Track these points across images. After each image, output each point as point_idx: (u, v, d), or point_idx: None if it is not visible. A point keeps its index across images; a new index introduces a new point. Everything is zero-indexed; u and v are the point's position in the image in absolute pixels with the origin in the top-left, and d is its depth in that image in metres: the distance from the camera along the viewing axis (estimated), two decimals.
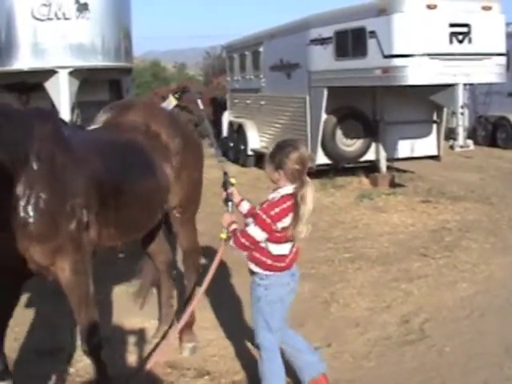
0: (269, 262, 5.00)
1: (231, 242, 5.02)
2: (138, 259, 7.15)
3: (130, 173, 5.68)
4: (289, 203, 4.86)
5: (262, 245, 4.95)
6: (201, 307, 7.37)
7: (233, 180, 5.38)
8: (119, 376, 5.86)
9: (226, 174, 5.39)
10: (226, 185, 5.36)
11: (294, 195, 4.87)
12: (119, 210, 5.45)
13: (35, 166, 4.75)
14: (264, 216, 4.85)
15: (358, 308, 7.68)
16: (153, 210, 6.01)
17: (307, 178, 4.94)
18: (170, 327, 6.75)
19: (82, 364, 6.20)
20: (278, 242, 4.96)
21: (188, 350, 6.47)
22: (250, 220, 5.02)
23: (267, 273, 5.01)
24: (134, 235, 6.01)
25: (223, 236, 5.18)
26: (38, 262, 4.86)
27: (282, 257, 5.02)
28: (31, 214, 4.71)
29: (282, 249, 5.00)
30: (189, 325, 6.47)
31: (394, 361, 6.26)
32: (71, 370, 6.12)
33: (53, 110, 5.87)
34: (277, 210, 4.85)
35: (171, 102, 6.29)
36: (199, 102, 6.55)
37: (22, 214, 4.70)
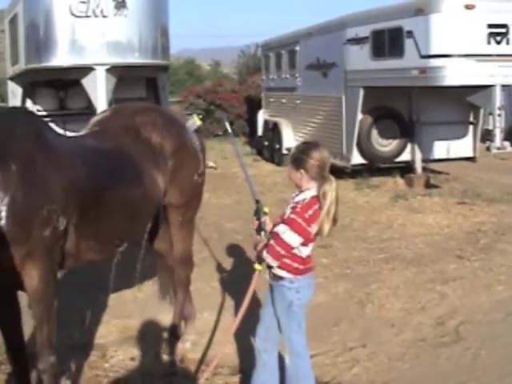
0: (301, 267, 4.92)
1: (264, 253, 4.83)
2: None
3: (114, 183, 5.36)
4: (318, 204, 4.80)
5: (295, 251, 4.85)
6: (233, 305, 7.38)
7: (266, 209, 5.11)
8: (153, 373, 5.90)
9: (258, 202, 5.12)
10: (258, 213, 5.09)
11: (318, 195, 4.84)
12: (101, 222, 5.17)
13: (13, 166, 4.52)
14: (299, 220, 4.76)
15: (393, 309, 7.64)
16: (139, 222, 5.71)
17: (329, 175, 4.87)
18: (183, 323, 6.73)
19: (115, 360, 6.25)
20: (308, 244, 4.90)
21: (189, 343, 6.54)
22: (281, 227, 4.83)
23: (297, 276, 4.94)
24: (117, 249, 5.68)
25: (259, 268, 5.00)
26: (6, 266, 4.55)
27: (308, 258, 4.96)
28: (3, 215, 4.44)
29: (309, 250, 4.94)
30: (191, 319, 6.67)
31: (428, 363, 6.23)
32: (105, 365, 6.15)
33: (36, 113, 5.51)
34: (310, 212, 4.78)
35: (195, 122, 6.19)
36: (226, 123, 6.50)
37: None
